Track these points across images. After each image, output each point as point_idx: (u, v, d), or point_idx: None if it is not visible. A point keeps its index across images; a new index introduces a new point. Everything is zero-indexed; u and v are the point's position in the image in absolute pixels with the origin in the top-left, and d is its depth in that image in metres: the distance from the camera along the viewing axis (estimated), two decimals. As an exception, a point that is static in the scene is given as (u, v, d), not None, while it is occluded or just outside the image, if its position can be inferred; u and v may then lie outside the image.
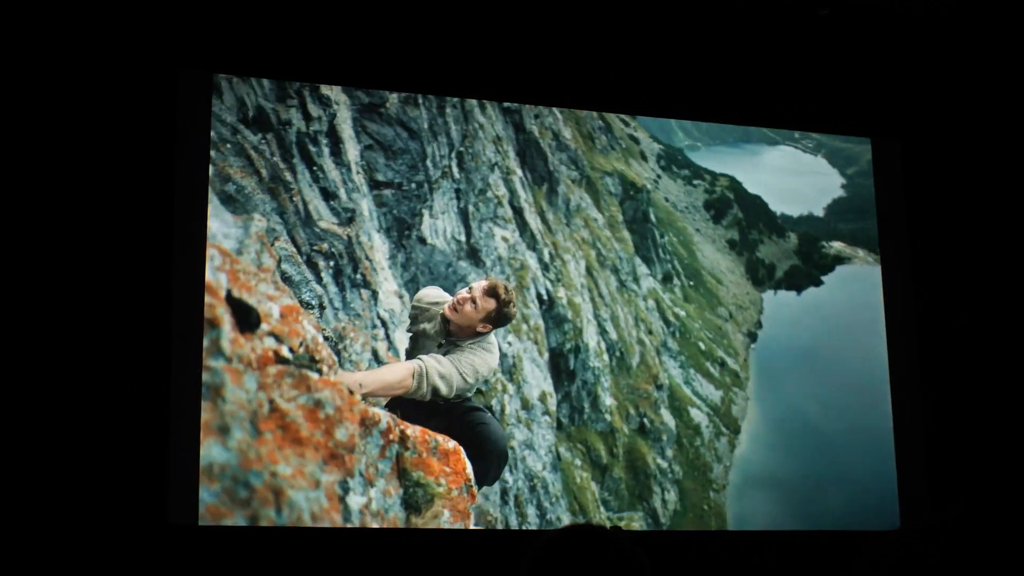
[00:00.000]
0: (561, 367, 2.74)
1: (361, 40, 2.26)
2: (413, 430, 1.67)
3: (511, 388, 2.56)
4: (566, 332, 2.78)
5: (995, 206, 2.84)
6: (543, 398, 2.67)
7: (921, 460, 2.64)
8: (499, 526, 2.32)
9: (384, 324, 2.24)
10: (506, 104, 2.70)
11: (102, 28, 2.12)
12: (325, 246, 2.11)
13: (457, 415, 1.99)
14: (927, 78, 2.85)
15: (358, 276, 2.18)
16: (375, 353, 2.18)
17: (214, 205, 1.63)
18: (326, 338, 1.76)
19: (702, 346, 3.15)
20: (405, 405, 1.90)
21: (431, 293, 2.12)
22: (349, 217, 2.23)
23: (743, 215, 3.21)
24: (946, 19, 2.74)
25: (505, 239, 2.66)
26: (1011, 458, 2.58)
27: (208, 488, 1.62)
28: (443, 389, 1.86)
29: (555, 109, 2.82)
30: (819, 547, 2.57)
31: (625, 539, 0.85)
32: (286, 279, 1.79)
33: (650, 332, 3.00)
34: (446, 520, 1.64)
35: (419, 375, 1.85)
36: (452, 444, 1.77)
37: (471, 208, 2.58)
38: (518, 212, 2.72)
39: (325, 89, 2.19)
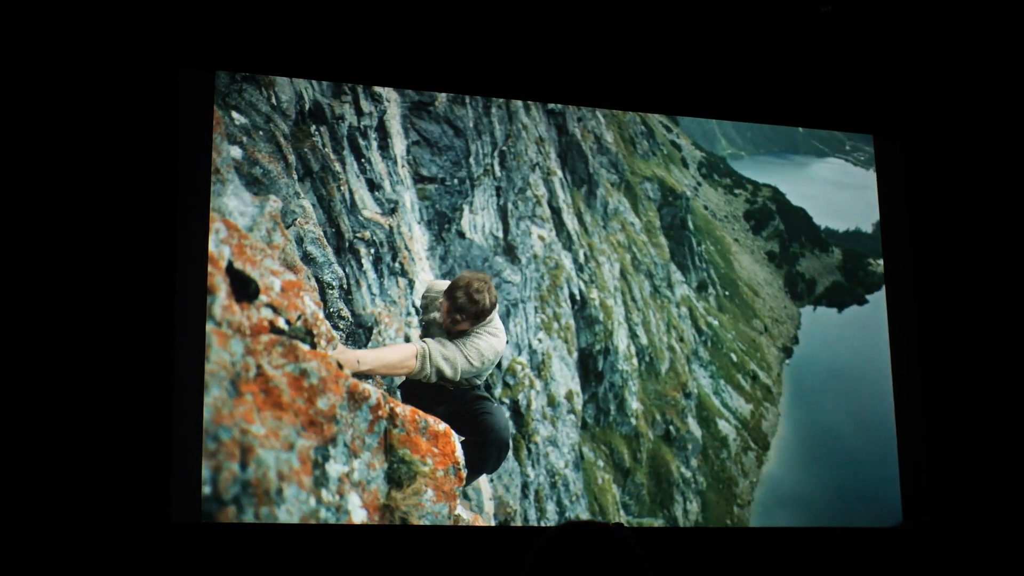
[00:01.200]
0: (590, 367, 2.78)
1: (361, 37, 2.29)
2: (403, 409, 1.68)
3: (538, 384, 2.62)
4: (597, 333, 2.81)
5: (997, 204, 2.81)
6: (569, 396, 2.72)
7: (922, 459, 2.64)
8: (518, 519, 2.38)
9: (418, 312, 2.34)
10: (550, 106, 2.76)
11: (103, 27, 2.13)
12: (367, 234, 2.22)
13: (464, 402, 2.03)
14: (929, 76, 2.83)
15: (396, 264, 2.29)
16: (407, 339, 2.28)
17: (235, 185, 1.70)
18: (342, 317, 1.81)
19: (734, 357, 3.14)
20: (417, 389, 1.95)
21: (439, 284, 2.18)
22: (392, 208, 2.33)
23: (785, 227, 3.19)
24: (947, 17, 2.72)
25: (541, 238, 2.72)
26: (1012, 458, 2.54)
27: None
28: (447, 371, 1.91)
29: (598, 112, 2.87)
30: (819, 545, 2.57)
31: (626, 536, 0.86)
32: (310, 259, 1.86)
33: (681, 339, 3.01)
34: (429, 498, 1.66)
35: (422, 356, 1.90)
36: (443, 427, 1.77)
37: (510, 206, 2.65)
38: (556, 212, 2.78)
39: (378, 87, 2.31)
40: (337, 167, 2.21)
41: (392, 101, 2.36)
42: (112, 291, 2.07)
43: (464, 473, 1.84)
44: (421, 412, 1.78)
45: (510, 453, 2.50)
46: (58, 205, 2.10)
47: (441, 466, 1.68)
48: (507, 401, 2.54)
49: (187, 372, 1.89)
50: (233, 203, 1.56)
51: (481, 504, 2.28)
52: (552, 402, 2.64)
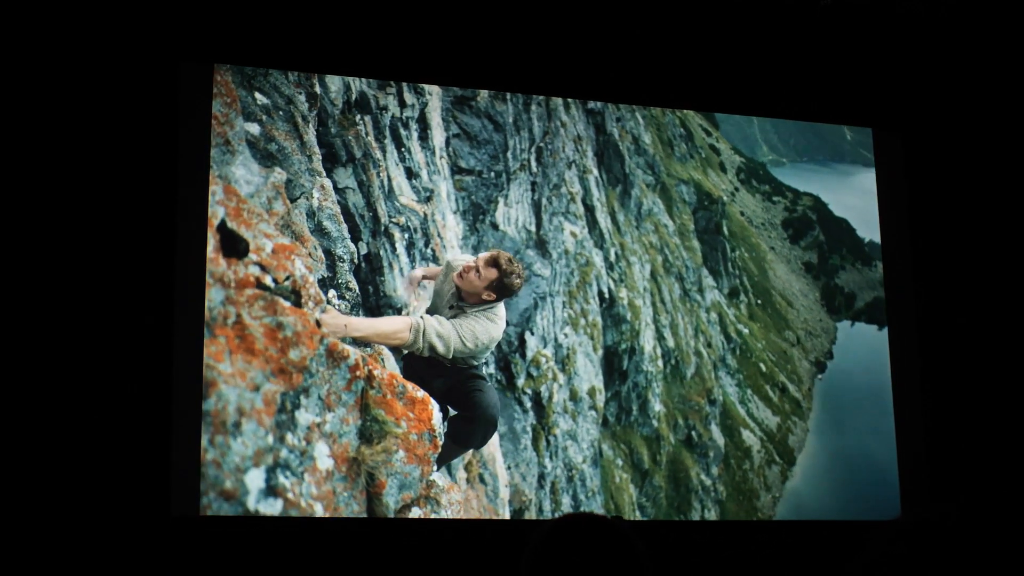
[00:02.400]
0: (614, 366, 2.81)
1: (361, 30, 2.31)
2: (382, 372, 1.71)
3: (561, 378, 2.67)
4: (623, 332, 2.84)
5: (997, 198, 2.79)
6: (592, 393, 2.76)
7: (922, 454, 2.65)
8: (532, 509, 2.44)
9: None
10: (590, 105, 2.81)
11: (104, 21, 2.13)
12: (403, 219, 2.33)
13: (459, 379, 2.11)
14: (929, 70, 2.90)
15: (428, 250, 2.39)
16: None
17: (244, 157, 1.75)
18: (349, 288, 1.88)
19: (763, 368, 3.12)
20: (418, 363, 2.03)
21: (462, 257, 2.26)
22: (427, 196, 2.43)
23: (825, 238, 3.16)
24: (947, 12, 2.69)
25: (574, 234, 2.78)
26: (1011, 455, 2.54)
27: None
28: (440, 348, 1.96)
29: (637, 114, 2.91)
30: (819, 540, 2.56)
31: (625, 528, 0.87)
32: (324, 233, 1.96)
33: (709, 345, 3.01)
34: (399, 458, 1.70)
35: (416, 330, 1.95)
36: (421, 394, 1.81)
37: (544, 201, 2.72)
38: (589, 210, 2.83)
39: (378, 79, 2.40)
40: (378, 155, 2.32)
41: (434, 95, 2.46)
42: (112, 288, 2.07)
43: (440, 441, 1.90)
44: (400, 377, 1.82)
45: (528, 443, 2.57)
46: (60, 197, 2.10)
47: (415, 431, 1.73)
48: (529, 392, 2.60)
49: (187, 366, 1.90)
50: (240, 172, 1.67)
51: (496, 490, 2.35)
52: (574, 397, 2.68)
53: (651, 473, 2.73)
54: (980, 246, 2.81)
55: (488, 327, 2.12)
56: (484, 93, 2.56)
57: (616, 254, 2.87)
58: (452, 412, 2.11)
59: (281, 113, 1.82)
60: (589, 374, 2.73)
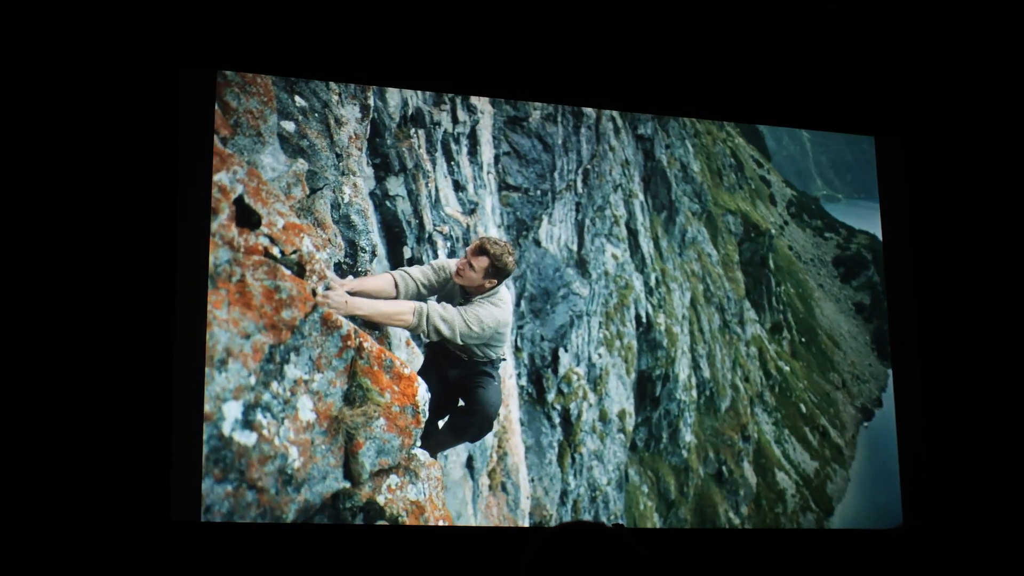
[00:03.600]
0: (647, 391, 2.83)
1: (363, 37, 2.34)
2: (371, 344, 1.83)
3: (592, 397, 2.71)
4: (658, 358, 2.86)
5: (998, 204, 2.80)
6: (622, 415, 2.78)
7: (924, 460, 2.67)
8: (552, 524, 2.47)
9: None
10: (640, 130, 2.90)
11: (105, 26, 2.16)
12: (446, 228, 2.46)
13: (471, 371, 2.20)
14: (930, 76, 2.84)
15: (470, 260, 2.51)
16: None
17: (274, 148, 1.89)
18: (353, 272, 2.01)
19: (803, 409, 3.07)
20: (438, 354, 2.15)
21: (452, 263, 2.33)
22: (472, 209, 2.55)
23: (880, 279, 3.12)
24: (948, 17, 2.70)
25: (615, 256, 2.84)
26: (1011, 459, 2.52)
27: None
28: (445, 331, 2.05)
29: (687, 142, 2.97)
30: (820, 546, 2.55)
31: (627, 536, 0.87)
32: (350, 225, 2.10)
33: (747, 379, 2.99)
34: (380, 426, 1.80)
35: (419, 313, 2.04)
36: (408, 371, 1.92)
37: (587, 222, 2.80)
38: (633, 234, 2.88)
39: (475, 99, 2.55)
40: (428, 166, 2.47)
41: (486, 113, 2.60)
42: (112, 291, 2.10)
43: (423, 417, 1.97)
44: (388, 352, 1.91)
45: (554, 458, 2.61)
46: (60, 202, 2.12)
47: (398, 403, 1.84)
48: (558, 408, 2.65)
49: (188, 372, 1.94)
50: (267, 160, 1.83)
51: (518, 500, 2.40)
52: (604, 418, 2.72)
53: (677, 504, 2.72)
54: (981, 247, 2.82)
55: (493, 311, 2.18)
56: (536, 114, 2.69)
57: (656, 279, 2.90)
58: (461, 403, 2.20)
59: (316, 115, 1.98)
60: (620, 396, 2.76)
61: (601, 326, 2.77)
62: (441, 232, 2.43)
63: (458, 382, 2.19)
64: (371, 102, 2.33)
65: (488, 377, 2.24)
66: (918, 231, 2.84)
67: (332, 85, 2.22)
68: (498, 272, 2.21)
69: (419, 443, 1.97)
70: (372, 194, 2.28)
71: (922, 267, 2.82)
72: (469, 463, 2.40)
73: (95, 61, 2.19)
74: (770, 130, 3.06)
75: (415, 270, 2.20)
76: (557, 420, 2.63)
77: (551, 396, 2.63)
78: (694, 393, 2.88)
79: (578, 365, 2.70)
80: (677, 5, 2.64)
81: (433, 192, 2.47)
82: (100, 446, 2.08)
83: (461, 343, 2.16)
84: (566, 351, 2.68)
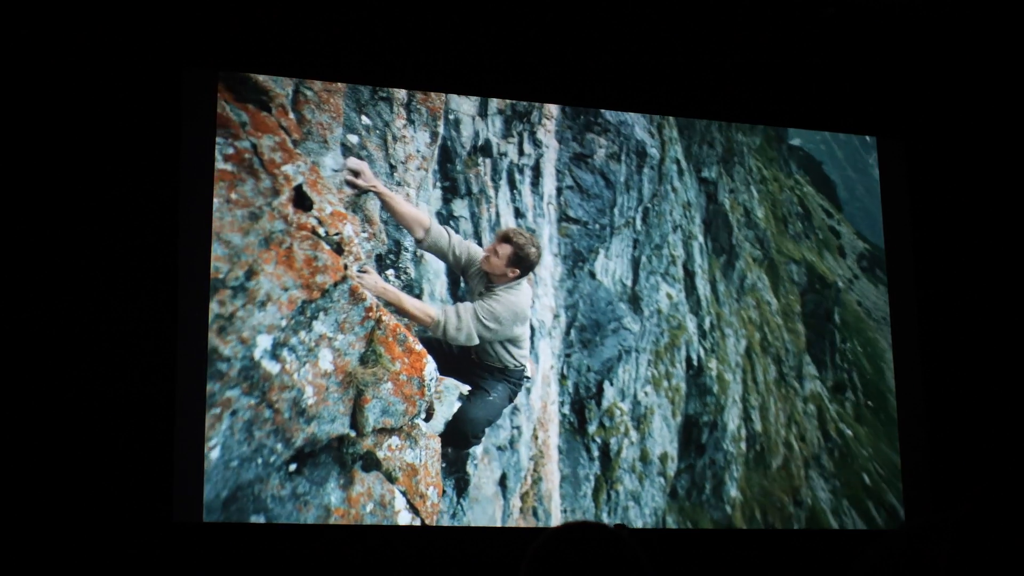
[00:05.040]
0: (692, 437, 2.79)
1: (364, 37, 2.40)
2: (389, 318, 2.14)
3: (634, 435, 2.71)
4: (707, 404, 2.82)
5: (1000, 205, 2.82)
6: (664, 458, 2.75)
7: (925, 464, 2.66)
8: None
9: (532, 330, 2.61)
10: (703, 174, 2.97)
11: (109, 27, 2.21)
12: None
13: (478, 380, 2.34)
14: (932, 78, 2.93)
15: (522, 282, 2.62)
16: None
17: (335, 153, 2.19)
18: (406, 272, 2.30)
19: (867, 479, 2.93)
20: (471, 361, 2.34)
21: (479, 251, 2.47)
22: (530, 235, 2.70)
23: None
24: (950, 19, 2.68)
25: (669, 296, 2.87)
26: (1013, 459, 2.46)
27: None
28: (461, 339, 2.24)
29: (752, 188, 3.02)
30: (820, 547, 2.50)
31: (627, 537, 0.87)
32: (397, 226, 2.38)
33: (802, 439, 2.91)
34: (387, 388, 2.08)
35: (436, 322, 2.25)
36: (419, 347, 2.20)
37: (644, 259, 2.85)
38: (690, 275, 2.91)
39: (541, 135, 2.71)
40: (491, 192, 2.63)
41: (551, 147, 2.75)
42: (117, 288, 2.14)
43: (427, 392, 2.17)
44: (404, 328, 2.19)
45: (589, 491, 2.58)
46: (65, 200, 2.16)
47: (406, 372, 2.12)
48: (598, 440, 2.67)
49: (189, 373, 2.05)
50: (327, 161, 2.16)
51: (548, 525, 2.41)
52: (644, 458, 2.70)
53: (717, 561, 2.65)
54: (982, 248, 2.81)
55: (509, 301, 2.31)
56: (601, 152, 2.82)
57: (711, 323, 2.91)
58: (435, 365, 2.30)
59: (378, 132, 2.28)
60: (664, 439, 2.75)
61: (650, 364, 2.79)
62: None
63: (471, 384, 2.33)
64: (440, 130, 2.53)
65: (482, 391, 2.32)
66: (920, 233, 2.87)
67: (398, 110, 2.43)
68: (520, 261, 2.33)
69: (425, 419, 2.19)
70: (438, 213, 2.46)
71: (925, 270, 2.85)
72: (502, 481, 2.45)
73: (96, 61, 2.23)
74: (843, 179, 3.06)
75: (458, 237, 2.38)
76: (596, 453, 2.63)
77: (592, 428, 2.65)
78: (743, 446, 2.82)
79: (623, 400, 2.71)
80: (681, 5, 2.69)
81: (493, 216, 2.62)
82: (102, 447, 2.11)
83: (477, 342, 2.29)
84: (611, 384, 2.70)
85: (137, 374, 2.15)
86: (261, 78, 2.26)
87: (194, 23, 2.31)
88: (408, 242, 2.38)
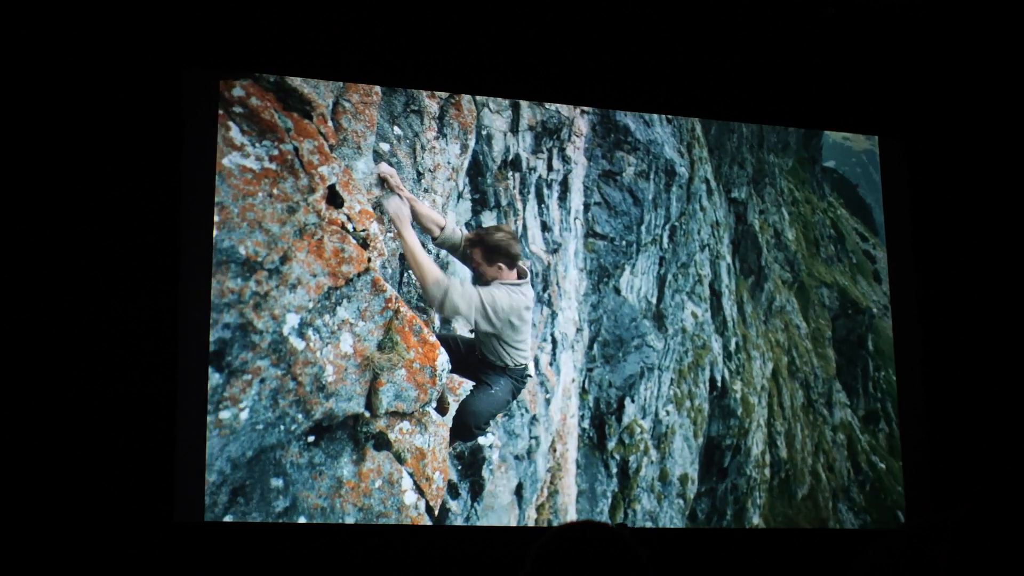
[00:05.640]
0: (714, 459, 2.75)
1: (366, 37, 2.42)
2: (406, 310, 2.30)
3: (654, 454, 2.68)
4: (730, 427, 2.79)
5: (1001, 205, 2.82)
6: (684, 480, 2.72)
7: (926, 464, 2.66)
8: None
9: (554, 342, 2.63)
10: (733, 194, 2.97)
11: (109, 27, 2.22)
12: (528, 263, 2.62)
13: (480, 375, 2.41)
14: (933, 77, 2.86)
15: (545, 295, 2.63)
16: (536, 362, 2.60)
17: (367, 159, 2.34)
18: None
19: (901, 517, 2.85)
20: (477, 359, 2.42)
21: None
22: (554, 248, 2.70)
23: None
24: (950, 18, 2.65)
25: (695, 315, 2.86)
26: (1013, 459, 2.43)
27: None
28: (462, 308, 2.31)
29: (783, 209, 3.01)
30: (820, 547, 2.48)
31: (628, 536, 0.89)
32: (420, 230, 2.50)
33: (831, 469, 2.84)
34: (401, 375, 2.24)
35: (441, 286, 2.31)
36: (432, 339, 2.33)
37: (670, 277, 2.86)
38: (716, 295, 2.90)
39: (571, 151, 2.76)
40: (519, 205, 2.69)
41: (579, 164, 2.80)
42: (118, 289, 2.16)
43: (439, 381, 2.30)
44: (419, 320, 2.33)
45: (605, 509, 2.54)
46: (65, 199, 2.18)
47: (419, 361, 2.27)
48: (617, 457, 2.65)
49: (192, 371, 2.09)
50: (359, 166, 2.33)
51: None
52: (664, 478, 2.67)
53: (737, 590, 2.60)
54: (983, 248, 2.80)
55: (510, 296, 2.36)
56: (630, 170, 2.85)
57: (737, 344, 2.88)
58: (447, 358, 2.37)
59: (407, 141, 2.43)
60: (684, 460, 2.71)
61: (672, 383, 2.77)
62: (523, 266, 2.62)
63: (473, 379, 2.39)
64: (471, 143, 2.60)
65: (484, 385, 2.37)
66: (921, 232, 2.86)
67: (429, 122, 2.51)
68: (494, 250, 2.37)
69: (434, 405, 2.31)
70: (467, 224, 2.55)
71: (926, 270, 2.84)
72: (519, 491, 2.45)
73: (97, 61, 2.24)
74: (879, 203, 3.04)
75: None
76: (614, 470, 2.62)
77: (611, 444, 2.64)
78: (767, 472, 2.77)
79: (643, 418, 2.70)
80: (681, 5, 2.69)
81: (520, 228, 2.67)
82: (103, 447, 2.12)
83: (475, 326, 2.34)
84: (632, 401, 2.70)
85: (138, 374, 2.16)
86: (306, 90, 2.36)
87: (195, 24, 2.32)
88: (430, 246, 2.49)
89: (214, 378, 2.16)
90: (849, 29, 2.78)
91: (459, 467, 2.38)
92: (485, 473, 2.40)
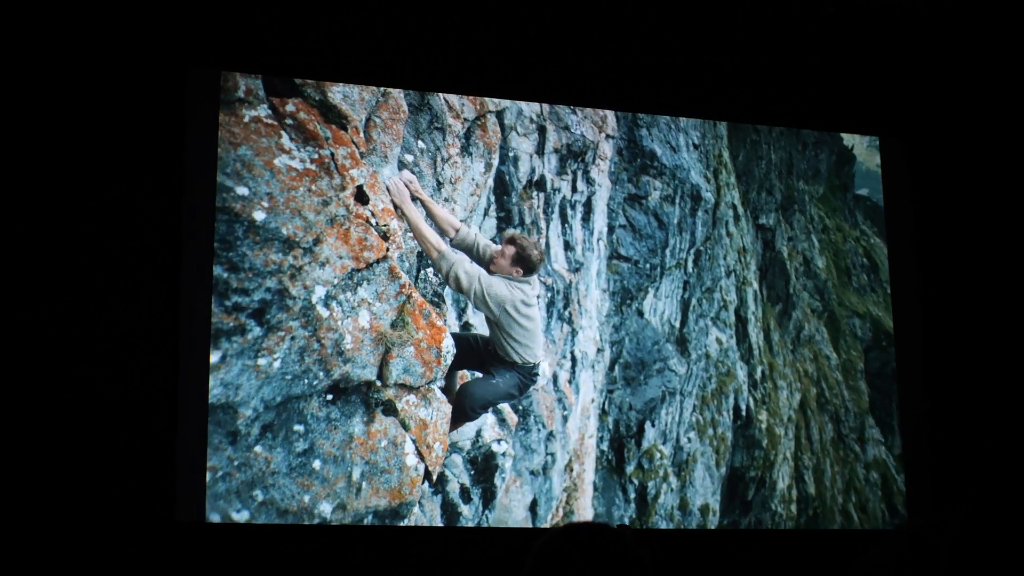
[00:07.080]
0: (737, 491, 2.70)
1: (369, 37, 2.47)
2: (418, 296, 2.52)
3: (674, 482, 2.64)
4: (755, 458, 2.74)
5: (1003, 205, 2.84)
6: (705, 510, 2.67)
7: (926, 463, 2.67)
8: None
9: (573, 360, 2.64)
10: (761, 220, 3.00)
11: (112, 27, 2.24)
12: (550, 280, 2.67)
13: (489, 368, 2.54)
14: (933, 77, 2.88)
15: (566, 312, 2.66)
16: (555, 378, 2.62)
17: (392, 167, 2.55)
18: (431, 265, 2.62)
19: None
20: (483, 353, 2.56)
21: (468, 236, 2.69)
22: (576, 268, 2.74)
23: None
24: (952, 18, 2.65)
25: (719, 341, 2.85)
26: (1013, 459, 2.41)
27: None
28: (464, 281, 2.48)
29: (813, 236, 3.01)
30: (820, 547, 2.47)
31: (629, 537, 0.89)
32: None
33: (863, 510, 2.77)
34: (409, 352, 2.46)
35: (445, 256, 2.48)
36: (440, 322, 2.53)
37: (694, 301, 2.87)
38: (742, 321, 2.90)
39: (595, 173, 2.83)
40: (543, 224, 2.75)
41: (603, 186, 2.87)
42: (120, 289, 2.19)
43: (444, 361, 2.48)
44: (429, 305, 2.52)
45: None
46: (67, 199, 2.19)
47: (427, 341, 2.49)
48: (635, 482, 2.62)
49: (192, 373, 2.12)
50: (385, 171, 2.56)
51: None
52: (684, 507, 2.63)
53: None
54: (985, 247, 2.79)
55: (509, 287, 2.49)
56: (655, 194, 2.91)
57: (763, 373, 2.86)
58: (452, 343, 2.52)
59: (429, 154, 2.61)
60: (706, 489, 2.67)
61: (695, 409, 2.75)
62: (544, 283, 2.65)
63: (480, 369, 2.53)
64: (494, 162, 2.69)
65: (488, 375, 2.49)
66: (923, 232, 2.86)
67: (452, 139, 2.62)
68: (522, 261, 2.54)
69: (441, 382, 2.49)
70: (492, 240, 2.64)
71: (927, 269, 2.84)
72: (533, 507, 2.43)
73: (99, 61, 2.27)
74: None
75: (483, 237, 2.59)
76: (632, 495, 2.59)
77: (630, 468, 2.61)
78: (794, 508, 2.71)
79: (663, 443, 2.68)
80: (681, 5, 2.72)
81: (543, 247, 2.73)
82: (104, 447, 2.15)
83: (472, 298, 2.49)
84: (653, 426, 2.68)
85: (138, 374, 2.18)
86: (344, 107, 2.51)
87: (199, 23, 2.35)
88: (447, 248, 2.61)
89: (255, 331, 2.30)
90: (849, 29, 2.81)
91: (472, 472, 2.40)
92: (497, 481, 2.42)
